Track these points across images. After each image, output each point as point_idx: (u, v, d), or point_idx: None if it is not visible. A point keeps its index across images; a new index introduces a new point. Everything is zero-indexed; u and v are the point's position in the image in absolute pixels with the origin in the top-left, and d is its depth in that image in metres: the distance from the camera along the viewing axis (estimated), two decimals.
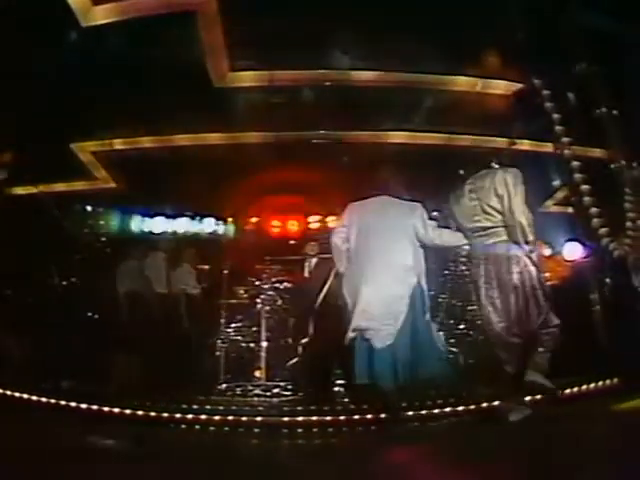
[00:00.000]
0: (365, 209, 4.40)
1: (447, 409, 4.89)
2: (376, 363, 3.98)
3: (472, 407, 4.82)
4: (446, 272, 7.61)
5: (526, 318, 3.95)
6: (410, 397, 4.74)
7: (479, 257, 4.13)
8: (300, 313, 6.43)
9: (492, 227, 4.04)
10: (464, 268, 7.26)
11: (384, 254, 4.16)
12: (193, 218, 8.63)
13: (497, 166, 4.19)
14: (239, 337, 7.68)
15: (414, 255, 4.20)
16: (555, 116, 5.83)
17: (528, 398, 4.09)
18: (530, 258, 3.97)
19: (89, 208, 8.41)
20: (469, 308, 7.22)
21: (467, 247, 4.44)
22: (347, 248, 4.33)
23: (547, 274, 7.24)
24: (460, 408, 4.87)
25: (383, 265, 4.14)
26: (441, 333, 7.33)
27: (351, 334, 4.11)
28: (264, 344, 7.44)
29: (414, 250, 4.22)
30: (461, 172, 4.48)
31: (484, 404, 4.73)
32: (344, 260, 4.35)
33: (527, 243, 3.96)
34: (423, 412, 4.78)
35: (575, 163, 5.77)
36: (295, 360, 6.68)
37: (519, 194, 3.96)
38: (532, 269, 3.98)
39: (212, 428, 4.76)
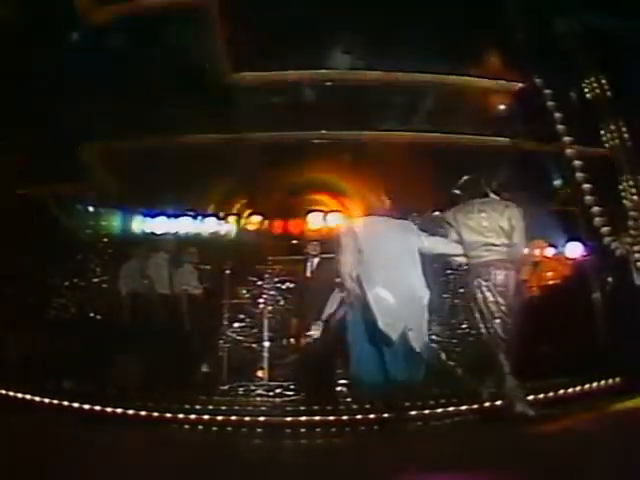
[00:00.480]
0: (366, 227, 4.57)
1: (450, 408, 4.90)
2: (409, 364, 4.16)
3: (475, 406, 4.82)
4: (448, 272, 7.59)
5: (517, 324, 4.42)
6: (413, 396, 4.74)
7: (480, 266, 4.54)
8: (303, 313, 6.40)
9: (497, 244, 4.52)
10: (466, 268, 7.25)
11: (402, 269, 4.37)
12: (195, 218, 8.60)
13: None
14: (241, 337, 7.68)
15: (421, 269, 4.44)
16: (557, 115, 5.83)
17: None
18: (520, 272, 4.66)
19: (91, 208, 8.40)
20: (471, 307, 7.20)
21: (460, 257, 4.77)
22: (357, 244, 4.42)
23: (549, 273, 7.22)
24: (463, 407, 4.87)
25: (406, 277, 4.36)
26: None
27: (394, 336, 4.14)
28: (266, 344, 7.43)
29: (420, 264, 4.46)
30: (457, 192, 4.91)
31: (487, 403, 4.72)
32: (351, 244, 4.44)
33: (520, 262, 4.67)
34: (426, 411, 4.79)
35: (577, 162, 5.77)
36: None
37: (524, 227, 4.61)
38: (521, 281, 4.66)
39: (215, 428, 4.75)
